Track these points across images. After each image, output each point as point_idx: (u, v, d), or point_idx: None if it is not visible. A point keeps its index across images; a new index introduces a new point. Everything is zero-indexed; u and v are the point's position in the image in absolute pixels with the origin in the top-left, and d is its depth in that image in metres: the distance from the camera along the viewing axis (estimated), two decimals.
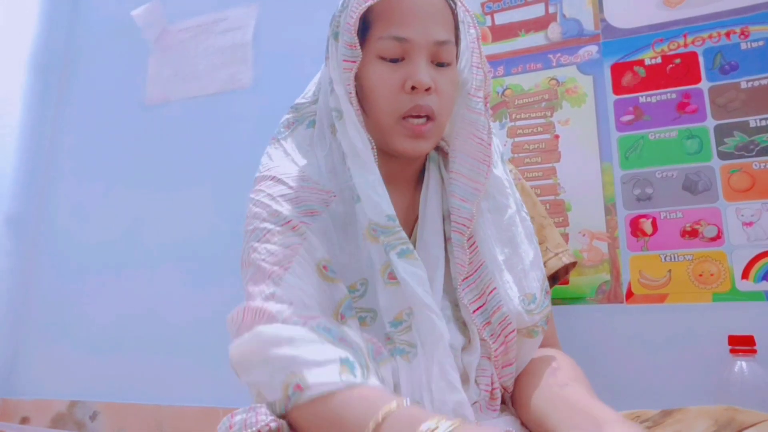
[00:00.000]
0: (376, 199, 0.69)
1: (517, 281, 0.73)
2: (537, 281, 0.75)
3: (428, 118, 0.71)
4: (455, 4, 0.75)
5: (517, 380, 0.75)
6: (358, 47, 0.70)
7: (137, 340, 1.47)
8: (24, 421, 1.53)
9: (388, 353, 0.66)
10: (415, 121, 0.71)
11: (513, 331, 0.71)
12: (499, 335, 0.71)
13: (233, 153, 1.50)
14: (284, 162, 0.76)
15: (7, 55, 1.71)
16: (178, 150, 1.58)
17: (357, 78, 0.72)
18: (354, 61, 0.71)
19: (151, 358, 1.44)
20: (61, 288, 1.62)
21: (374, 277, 0.69)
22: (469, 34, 0.76)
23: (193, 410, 1.34)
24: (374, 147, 0.72)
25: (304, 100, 0.84)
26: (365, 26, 0.72)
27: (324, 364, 0.57)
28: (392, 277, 0.68)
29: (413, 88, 0.70)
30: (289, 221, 0.70)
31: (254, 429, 0.55)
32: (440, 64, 0.73)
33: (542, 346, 0.77)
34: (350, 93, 0.71)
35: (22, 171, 1.70)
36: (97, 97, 1.75)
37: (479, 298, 0.72)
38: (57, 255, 1.66)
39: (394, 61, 0.71)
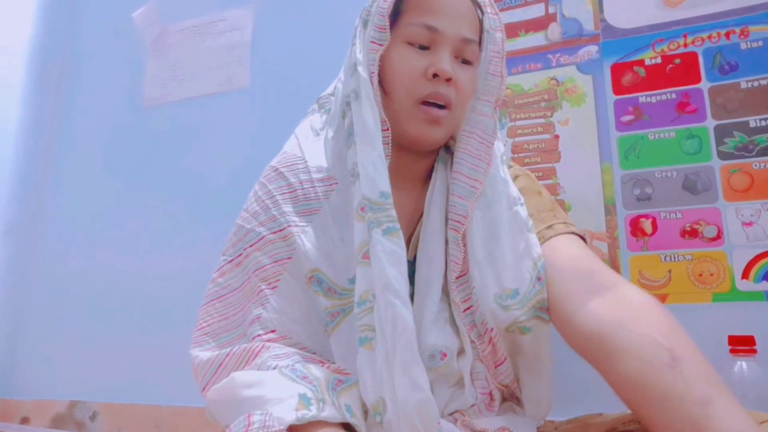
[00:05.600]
0: (373, 174, 0.68)
1: (496, 277, 0.71)
2: (527, 272, 0.71)
3: (445, 107, 0.73)
4: (483, 9, 0.77)
5: (594, 361, 0.65)
6: (388, 30, 0.73)
7: (137, 340, 1.47)
8: (24, 421, 1.54)
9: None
10: (433, 107, 0.73)
11: (492, 329, 0.70)
12: (484, 335, 0.70)
13: (231, 154, 1.49)
14: (293, 151, 0.79)
15: (5, 56, 1.70)
16: (176, 151, 1.58)
17: (381, 62, 0.74)
18: (381, 44, 0.73)
19: (151, 358, 1.44)
20: (61, 287, 1.62)
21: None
22: (495, 39, 0.77)
23: (193, 410, 1.34)
24: (388, 128, 0.72)
25: (324, 94, 0.87)
26: (396, 14, 0.74)
27: (284, 400, 0.60)
28: (366, 257, 0.66)
29: (435, 75, 0.72)
30: (283, 229, 0.73)
31: (273, 430, 0.56)
32: (463, 61, 0.75)
33: (596, 286, 0.67)
34: (373, 73, 0.73)
35: (20, 171, 1.70)
36: (94, 98, 1.75)
37: (469, 298, 0.72)
38: (56, 255, 1.66)
39: (421, 48, 0.73)
